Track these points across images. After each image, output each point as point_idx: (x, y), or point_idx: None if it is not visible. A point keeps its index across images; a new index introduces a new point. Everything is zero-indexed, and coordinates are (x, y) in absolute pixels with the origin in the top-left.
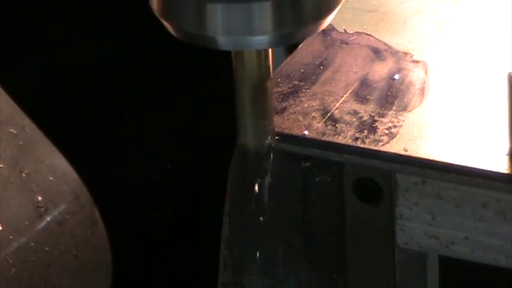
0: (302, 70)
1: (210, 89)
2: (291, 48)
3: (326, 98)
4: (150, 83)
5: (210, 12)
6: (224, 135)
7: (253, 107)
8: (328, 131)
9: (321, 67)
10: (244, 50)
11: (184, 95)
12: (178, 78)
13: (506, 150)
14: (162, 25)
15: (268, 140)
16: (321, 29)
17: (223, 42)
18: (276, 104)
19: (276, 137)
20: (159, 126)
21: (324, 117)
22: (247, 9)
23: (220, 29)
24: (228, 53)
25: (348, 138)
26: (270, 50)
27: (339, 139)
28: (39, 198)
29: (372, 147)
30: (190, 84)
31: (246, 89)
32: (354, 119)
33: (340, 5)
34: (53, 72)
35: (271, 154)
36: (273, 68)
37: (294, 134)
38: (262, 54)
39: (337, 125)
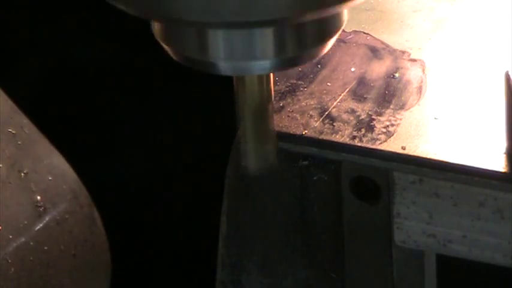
0: (300, 69)
1: (209, 89)
2: None
3: (324, 96)
4: (150, 84)
5: (211, 38)
6: (223, 135)
7: (255, 131)
8: (325, 130)
9: (319, 66)
10: (245, 75)
11: (184, 95)
12: (178, 79)
13: (504, 148)
14: None
15: (271, 163)
16: (323, 53)
17: (225, 67)
18: (274, 102)
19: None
20: (159, 126)
21: (321, 116)
22: (249, 35)
23: (222, 54)
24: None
25: (345, 136)
26: (271, 74)
27: (337, 138)
28: (38, 197)
29: (370, 145)
30: (190, 85)
31: (247, 113)
32: (352, 118)
33: (340, 30)
34: (51, 72)
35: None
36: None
37: (291, 132)
38: (263, 79)
39: (334, 124)
